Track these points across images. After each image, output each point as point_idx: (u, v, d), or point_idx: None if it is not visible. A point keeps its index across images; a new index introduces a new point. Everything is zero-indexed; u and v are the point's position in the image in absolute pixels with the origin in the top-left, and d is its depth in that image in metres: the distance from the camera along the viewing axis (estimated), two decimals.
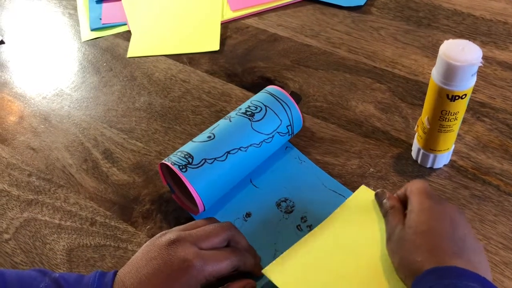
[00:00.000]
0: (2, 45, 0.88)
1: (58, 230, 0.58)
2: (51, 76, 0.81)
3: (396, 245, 0.47)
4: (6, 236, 0.58)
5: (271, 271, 0.50)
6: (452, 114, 0.53)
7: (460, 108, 0.53)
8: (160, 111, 0.72)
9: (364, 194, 0.56)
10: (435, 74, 0.51)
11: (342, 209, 0.55)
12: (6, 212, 0.60)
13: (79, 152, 0.67)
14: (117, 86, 0.77)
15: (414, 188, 0.50)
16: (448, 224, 0.46)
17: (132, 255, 0.51)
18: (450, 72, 0.49)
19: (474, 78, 0.50)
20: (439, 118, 0.54)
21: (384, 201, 0.53)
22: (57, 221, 0.59)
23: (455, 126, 0.55)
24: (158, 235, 0.50)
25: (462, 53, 0.49)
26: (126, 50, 0.83)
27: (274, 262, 0.51)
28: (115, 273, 0.47)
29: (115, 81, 0.78)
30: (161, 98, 0.74)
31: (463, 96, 0.51)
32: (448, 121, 0.54)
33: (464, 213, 0.48)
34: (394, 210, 0.51)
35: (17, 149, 0.68)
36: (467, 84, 0.50)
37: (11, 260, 0.56)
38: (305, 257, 0.51)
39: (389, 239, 0.49)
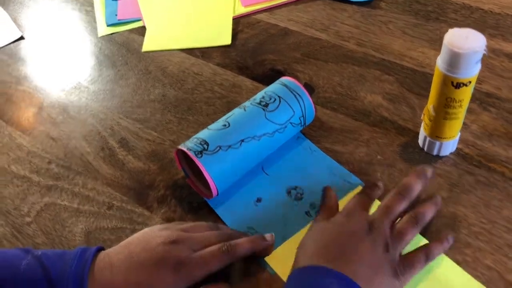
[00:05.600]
0: (22, 40, 0.91)
1: (77, 214, 0.61)
2: (69, 70, 0.84)
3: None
4: (27, 219, 0.61)
5: (272, 259, 0.53)
6: (457, 101, 0.54)
7: (465, 95, 0.54)
8: (173, 103, 0.74)
9: None
10: (440, 62, 0.53)
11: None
12: (27, 197, 0.63)
13: (96, 141, 0.70)
14: (132, 79, 0.80)
15: None
16: (333, 235, 0.50)
17: None
18: (455, 59, 0.51)
19: (479, 66, 0.52)
20: (444, 106, 0.55)
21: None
22: (75, 206, 0.62)
23: (460, 113, 0.56)
24: (159, 227, 0.52)
25: (466, 41, 0.50)
26: (141, 45, 0.86)
27: (275, 251, 0.54)
28: (97, 249, 0.49)
29: (131, 74, 0.80)
30: (174, 90, 0.76)
31: (468, 84, 0.53)
32: (453, 108, 0.55)
33: (372, 232, 0.49)
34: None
35: (37, 138, 0.71)
36: (471, 71, 0.52)
37: (33, 241, 0.58)
38: None
39: None
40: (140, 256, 0.48)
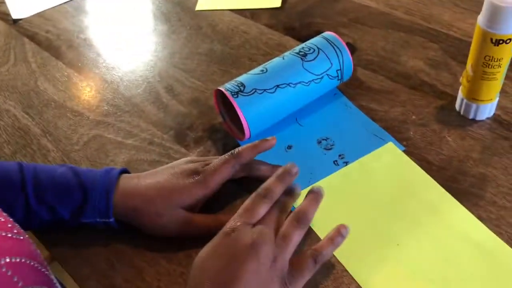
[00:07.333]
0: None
1: (120, 146, 0.65)
2: (126, 23, 0.89)
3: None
4: (76, 147, 0.66)
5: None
6: (496, 60, 0.54)
7: (504, 54, 0.54)
8: (219, 56, 0.77)
9: (390, 151, 0.59)
10: (481, 19, 0.53)
11: (367, 159, 0.59)
12: (77, 128, 0.68)
13: (144, 86, 0.74)
14: (183, 34, 0.84)
15: None
16: (220, 258, 0.44)
17: None
18: (495, 14, 0.51)
19: None
20: (482, 64, 0.55)
21: None
22: (119, 139, 0.66)
23: (499, 74, 0.56)
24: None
25: None
26: (195, 5, 0.90)
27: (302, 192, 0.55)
28: (123, 170, 0.55)
29: (182, 30, 0.85)
30: (221, 45, 0.80)
31: (508, 41, 0.52)
32: (491, 67, 0.55)
33: (255, 247, 0.44)
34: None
35: (92, 80, 0.77)
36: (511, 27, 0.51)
37: (79, 166, 0.63)
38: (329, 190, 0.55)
39: None
40: (163, 172, 0.55)
